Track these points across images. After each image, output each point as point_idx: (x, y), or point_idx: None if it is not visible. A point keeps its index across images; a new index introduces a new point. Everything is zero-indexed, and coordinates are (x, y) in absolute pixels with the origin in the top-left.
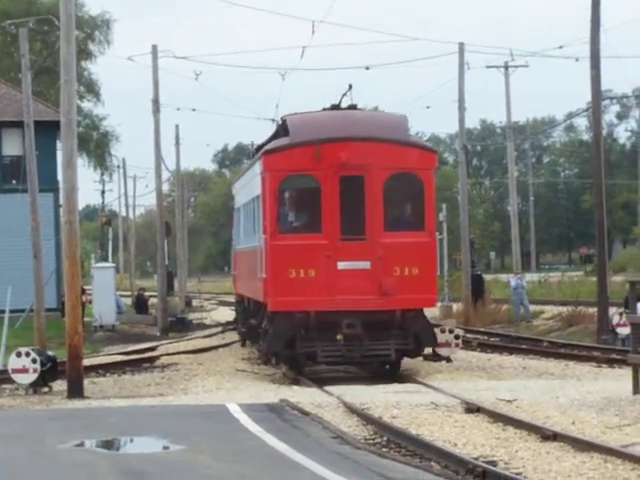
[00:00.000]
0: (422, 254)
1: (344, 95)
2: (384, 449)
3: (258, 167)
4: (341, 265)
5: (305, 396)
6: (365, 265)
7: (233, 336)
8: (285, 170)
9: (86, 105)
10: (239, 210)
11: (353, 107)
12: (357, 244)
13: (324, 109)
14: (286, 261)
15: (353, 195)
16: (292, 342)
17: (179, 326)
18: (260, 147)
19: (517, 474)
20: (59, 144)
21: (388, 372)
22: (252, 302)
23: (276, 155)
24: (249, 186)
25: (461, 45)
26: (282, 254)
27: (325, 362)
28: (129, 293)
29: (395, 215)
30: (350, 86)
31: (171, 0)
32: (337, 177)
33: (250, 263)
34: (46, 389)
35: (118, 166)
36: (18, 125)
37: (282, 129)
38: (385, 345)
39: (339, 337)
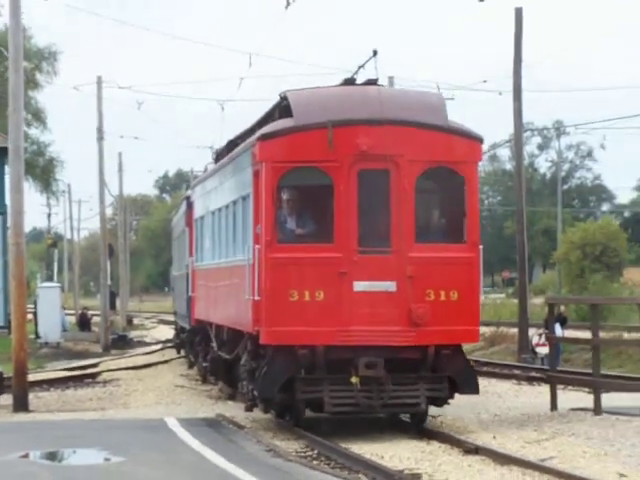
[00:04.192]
0: (463, 274)
1: (361, 67)
2: (314, 462)
3: (248, 158)
4: (358, 286)
5: (240, 411)
6: (390, 286)
7: (172, 353)
8: (287, 161)
9: (33, 132)
10: (202, 219)
11: (373, 82)
12: (380, 258)
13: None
14: (286, 279)
15: (375, 194)
16: (290, 385)
17: (120, 343)
18: (231, 143)
19: None
20: (7, 169)
21: (411, 424)
22: (226, 331)
23: (276, 141)
24: (227, 185)
25: (391, 79)
26: (281, 270)
27: (335, 412)
28: (73, 312)
29: (429, 222)
30: (375, 52)
31: (116, 32)
32: (355, 171)
33: (227, 282)
34: None
35: (63, 191)
36: None
37: (280, 109)
38: (413, 391)
39: (354, 380)
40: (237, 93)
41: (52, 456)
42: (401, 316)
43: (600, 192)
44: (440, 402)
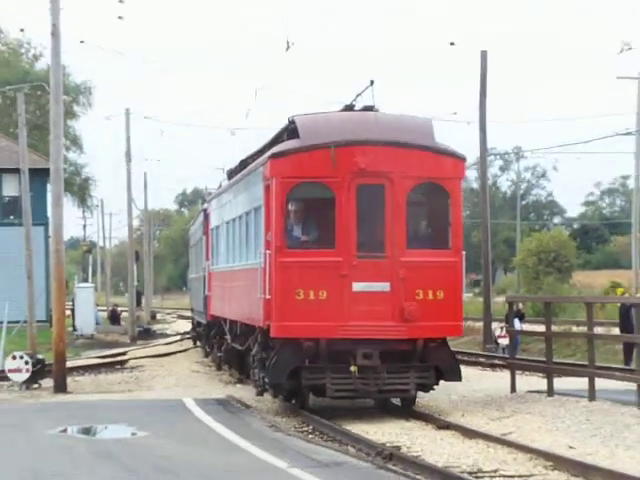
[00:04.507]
0: (448, 276)
1: (359, 95)
2: (310, 436)
3: (260, 174)
4: (357, 286)
5: (247, 392)
6: (384, 287)
7: (189, 344)
8: (295, 177)
9: (71, 155)
10: (217, 229)
11: (369, 108)
12: (376, 262)
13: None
14: (293, 280)
15: (371, 206)
16: (297, 373)
17: (145, 335)
18: (244, 162)
19: (417, 456)
20: (49, 187)
21: (400, 408)
22: (238, 326)
23: (285, 159)
24: (241, 198)
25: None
26: (289, 272)
27: (336, 397)
28: (105, 308)
29: (418, 231)
30: (372, 82)
31: (141, 70)
32: (354, 185)
33: (240, 283)
34: (36, 386)
35: (97, 205)
36: (15, 171)
37: (288, 132)
38: (404, 379)
39: (353, 369)
40: (245, 122)
41: (87, 431)
42: (394, 313)
43: (553, 207)
44: (427, 388)
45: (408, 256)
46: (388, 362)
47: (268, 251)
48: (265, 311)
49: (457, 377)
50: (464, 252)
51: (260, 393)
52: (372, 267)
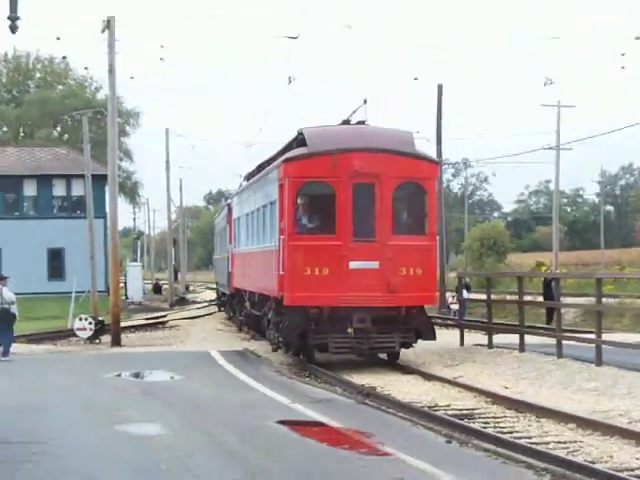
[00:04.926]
0: (425, 256)
1: (354, 112)
2: (307, 379)
3: (275, 175)
4: (353, 265)
5: (260, 347)
6: (374, 265)
7: (214, 309)
8: (303, 177)
9: (124, 164)
10: (238, 219)
11: (362, 122)
12: (368, 246)
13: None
14: (302, 260)
15: (364, 201)
16: (304, 334)
17: (181, 302)
18: (260, 166)
19: (388, 394)
20: (107, 189)
21: (381, 360)
22: (257, 296)
23: (295, 163)
24: (259, 195)
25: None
26: (298, 253)
27: (336, 353)
28: (150, 282)
29: (402, 220)
30: (365, 101)
31: (175, 96)
32: (350, 184)
33: (258, 262)
34: (97, 341)
35: (144, 203)
36: (81, 177)
37: (297, 141)
38: (390, 338)
39: (350, 331)
40: (257, 138)
41: (136, 375)
42: (382, 286)
43: (492, 204)
44: (408, 346)
45: (393, 240)
46: (378, 325)
47: (282, 236)
48: (279, 284)
49: (432, 337)
50: (438, 237)
51: (275, 349)
52: (365, 249)
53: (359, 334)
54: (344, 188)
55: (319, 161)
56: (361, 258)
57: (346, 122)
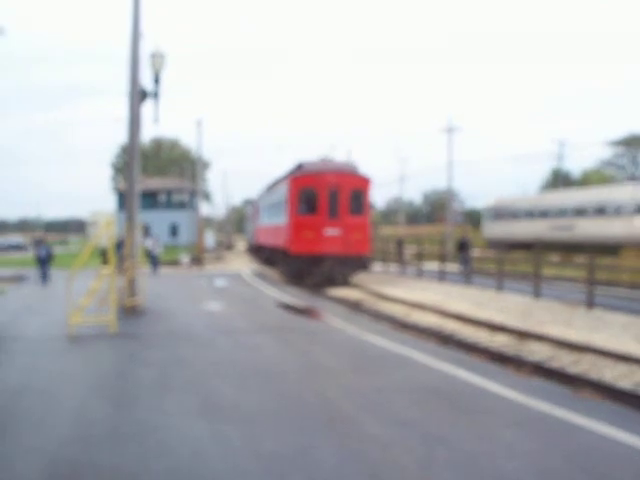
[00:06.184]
0: (363, 227)
1: (327, 154)
2: (297, 287)
3: (286, 184)
4: (326, 232)
5: (271, 273)
6: (338, 232)
7: (245, 253)
8: (302, 185)
9: (204, 184)
10: (263, 208)
11: (332, 159)
12: (335, 221)
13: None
14: (300, 229)
15: (333, 198)
16: (301, 270)
17: (229, 249)
18: (275, 180)
19: (333, 295)
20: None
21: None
22: (271, 248)
23: (297, 177)
24: (275, 195)
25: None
26: (298, 225)
27: (317, 280)
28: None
29: (352, 208)
30: (333, 145)
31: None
32: (326, 190)
33: (276, 230)
34: (192, 266)
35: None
36: (184, 191)
37: (298, 167)
38: (346, 271)
39: (325, 269)
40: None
41: (208, 280)
42: (342, 244)
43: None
44: (354, 275)
45: (348, 220)
46: (339, 265)
47: (290, 216)
48: (287, 242)
49: (367, 269)
50: (369, 216)
51: (282, 278)
52: (333, 223)
53: (329, 271)
54: (322, 191)
55: (310, 177)
56: (331, 228)
57: (323, 158)
